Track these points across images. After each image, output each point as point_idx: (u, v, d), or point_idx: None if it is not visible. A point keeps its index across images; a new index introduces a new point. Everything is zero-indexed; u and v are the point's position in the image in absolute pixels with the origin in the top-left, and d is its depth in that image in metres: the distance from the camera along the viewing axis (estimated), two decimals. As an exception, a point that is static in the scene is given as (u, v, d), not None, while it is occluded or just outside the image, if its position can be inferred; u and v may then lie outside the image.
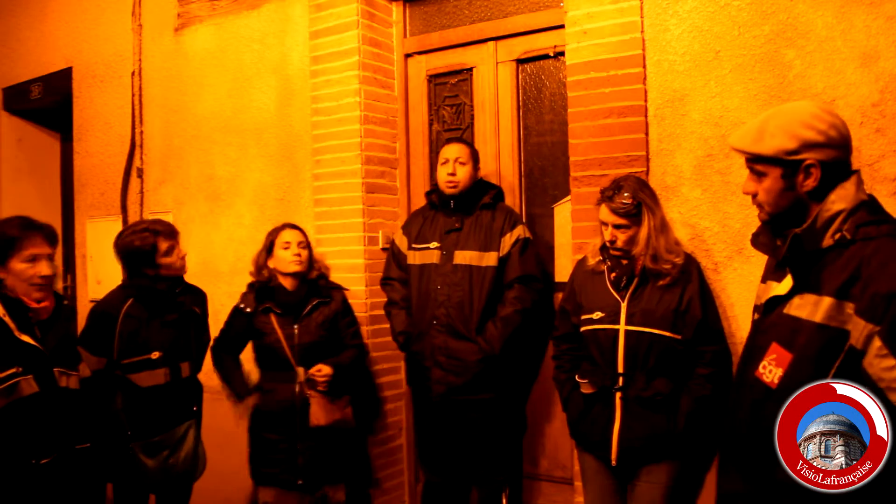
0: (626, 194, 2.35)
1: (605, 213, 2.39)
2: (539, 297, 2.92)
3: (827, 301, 1.47)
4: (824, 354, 1.45)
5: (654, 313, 2.33)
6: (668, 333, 2.32)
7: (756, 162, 1.62)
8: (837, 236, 1.51)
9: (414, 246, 3.08)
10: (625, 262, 2.41)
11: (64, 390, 2.25)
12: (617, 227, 2.36)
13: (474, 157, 3.03)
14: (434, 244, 3.01)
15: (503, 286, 2.91)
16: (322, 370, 2.91)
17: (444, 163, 3.01)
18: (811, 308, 1.50)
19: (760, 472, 1.51)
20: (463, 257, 2.94)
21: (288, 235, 3.02)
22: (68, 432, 2.24)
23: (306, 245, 3.05)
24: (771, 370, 1.54)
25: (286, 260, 2.98)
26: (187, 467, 2.93)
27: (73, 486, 2.24)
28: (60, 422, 2.21)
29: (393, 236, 3.26)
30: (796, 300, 1.56)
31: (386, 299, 3.19)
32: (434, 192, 3.11)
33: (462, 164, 2.97)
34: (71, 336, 2.46)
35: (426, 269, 3.01)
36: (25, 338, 2.15)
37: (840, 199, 1.53)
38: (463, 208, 3.01)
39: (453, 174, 2.97)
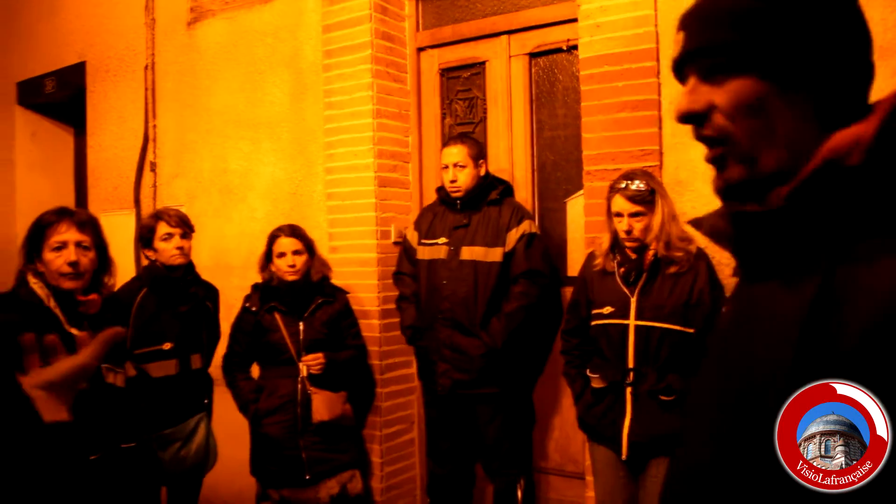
0: (639, 182, 2.36)
1: (620, 202, 2.38)
2: (544, 291, 2.91)
3: None
4: None
5: (663, 308, 2.33)
6: (678, 327, 2.32)
7: None
8: None
9: (423, 241, 3.09)
10: (634, 256, 2.41)
11: (110, 387, 2.18)
12: (633, 215, 2.36)
13: (476, 155, 3.00)
14: (442, 239, 3.03)
15: (508, 281, 2.92)
16: (318, 357, 2.95)
17: (444, 168, 3.02)
18: None
19: None
20: (469, 253, 2.95)
21: (282, 245, 3.01)
22: (114, 430, 2.16)
23: (303, 251, 3.02)
24: None
25: (282, 269, 3.00)
26: (199, 460, 2.95)
27: (123, 485, 2.16)
28: (107, 419, 2.13)
29: (405, 231, 3.27)
30: None
31: (397, 293, 3.21)
32: (443, 188, 3.12)
33: (461, 167, 2.97)
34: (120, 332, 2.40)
35: (434, 263, 3.03)
36: (75, 331, 2.08)
37: None
38: (470, 206, 3.01)
39: (454, 180, 2.98)
